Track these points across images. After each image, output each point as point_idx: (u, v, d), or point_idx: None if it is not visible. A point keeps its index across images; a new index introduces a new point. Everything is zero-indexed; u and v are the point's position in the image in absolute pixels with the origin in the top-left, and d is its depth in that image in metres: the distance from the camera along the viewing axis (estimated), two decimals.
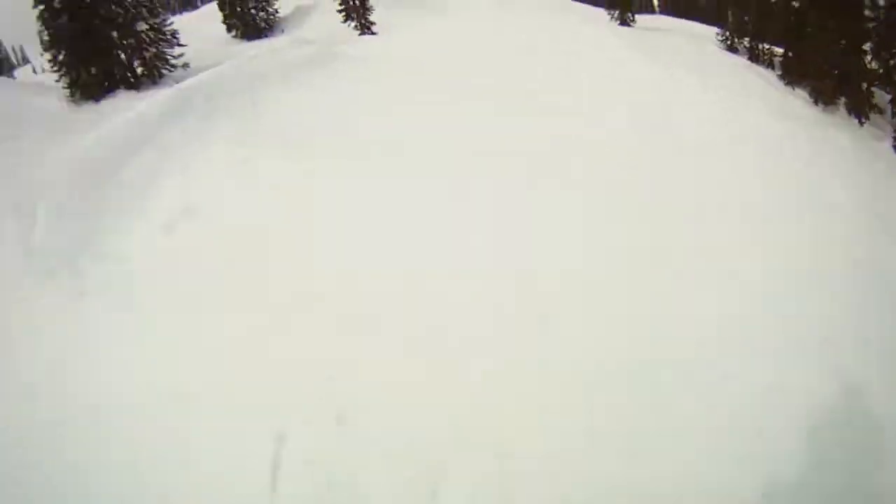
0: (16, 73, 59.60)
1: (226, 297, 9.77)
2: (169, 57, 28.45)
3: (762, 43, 25.48)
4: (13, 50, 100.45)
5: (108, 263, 10.22)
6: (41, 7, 29.20)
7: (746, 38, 26.58)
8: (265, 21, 44.10)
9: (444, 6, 35.07)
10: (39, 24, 30.30)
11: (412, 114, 13.59)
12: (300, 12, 45.11)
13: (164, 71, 28.15)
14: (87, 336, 9.08)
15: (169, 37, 28.87)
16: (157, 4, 31.08)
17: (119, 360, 8.82)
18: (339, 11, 37.11)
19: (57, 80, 29.10)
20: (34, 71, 71.80)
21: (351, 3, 36.97)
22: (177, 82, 26.63)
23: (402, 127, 13.31)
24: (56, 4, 28.73)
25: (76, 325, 9.28)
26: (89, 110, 25.59)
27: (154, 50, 28.06)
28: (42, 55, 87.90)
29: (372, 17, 36.08)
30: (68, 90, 27.68)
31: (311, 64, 15.53)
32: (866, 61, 18.17)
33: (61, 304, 9.67)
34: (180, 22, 31.83)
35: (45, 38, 36.91)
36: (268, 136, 12.37)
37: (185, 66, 28.55)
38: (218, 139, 12.44)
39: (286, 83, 14.52)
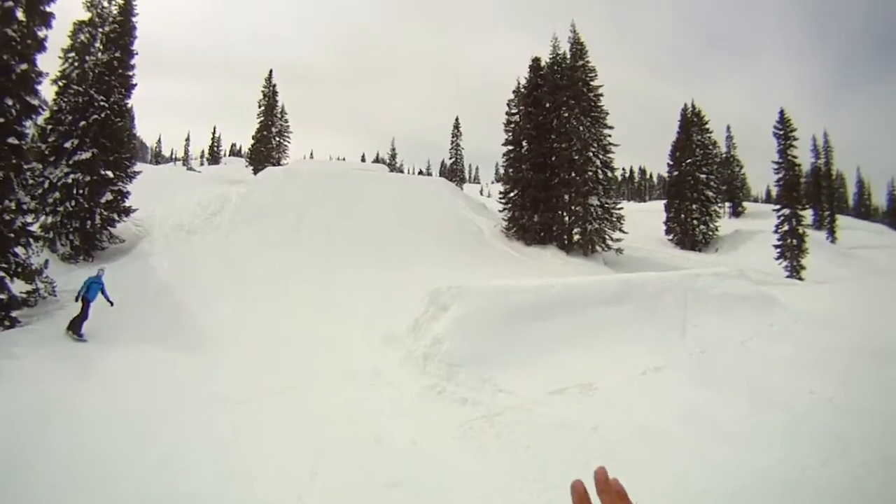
0: (464, 186, 69.10)
1: None
2: (607, 237, 29.82)
3: None
4: (469, 167, 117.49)
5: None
6: (509, 148, 33.67)
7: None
8: (703, 235, 44.72)
9: None
10: (503, 160, 34.63)
11: None
12: (738, 237, 45.50)
13: (598, 248, 29.48)
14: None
15: (615, 220, 30.51)
16: (612, 187, 33.08)
17: None
18: (776, 247, 36.99)
19: (500, 210, 32.72)
20: (481, 192, 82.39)
21: (789, 241, 36.53)
22: (605, 263, 27.71)
23: None
24: (524, 152, 32.64)
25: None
26: (522, 251, 28.58)
27: (597, 226, 29.71)
28: (492, 183, 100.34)
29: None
30: (506, 226, 30.76)
31: (743, 302, 14.20)
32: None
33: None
34: (626, 209, 33.31)
35: (501, 171, 42.37)
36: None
37: (619, 251, 29.62)
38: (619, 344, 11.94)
39: (707, 314, 13.44)
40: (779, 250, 36.58)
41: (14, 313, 15.31)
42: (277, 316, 16.54)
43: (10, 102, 15.72)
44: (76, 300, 15.67)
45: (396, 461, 7.97)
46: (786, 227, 37.12)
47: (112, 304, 16.21)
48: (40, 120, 21.72)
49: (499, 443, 8.28)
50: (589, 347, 11.57)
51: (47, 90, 25.98)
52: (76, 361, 12.37)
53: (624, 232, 31.01)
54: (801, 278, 33.65)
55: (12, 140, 15.71)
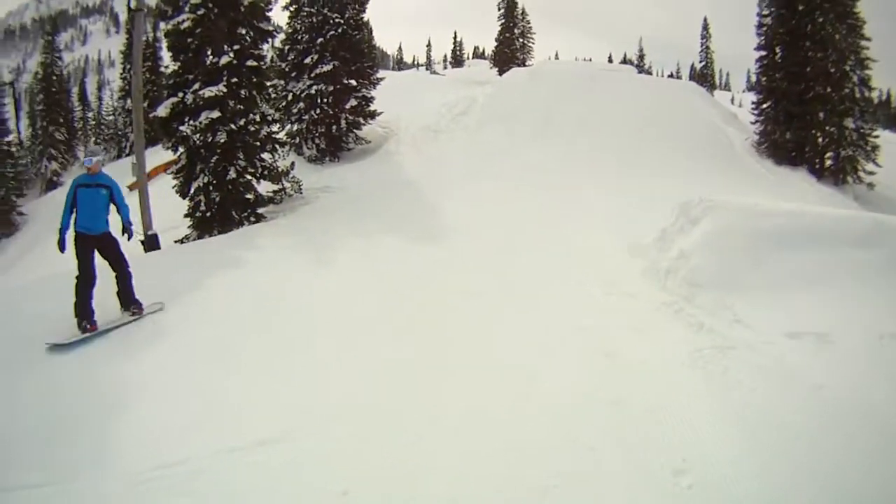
0: (715, 93, 65.40)
1: None
2: (860, 167, 27.95)
3: None
4: (720, 72, 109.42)
5: None
6: (761, 53, 30.96)
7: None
8: None
9: None
10: (756, 67, 31.94)
11: None
12: None
13: (849, 179, 27.90)
14: None
15: (869, 148, 28.17)
16: (869, 110, 29.78)
17: None
18: None
19: (752, 123, 30.73)
20: (732, 101, 77.47)
21: None
22: (856, 197, 26.07)
23: None
24: (777, 59, 30.15)
25: None
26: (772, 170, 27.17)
27: (850, 152, 27.83)
28: (743, 91, 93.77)
29: None
30: (758, 141, 29.12)
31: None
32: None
33: None
34: (882, 138, 29.69)
35: (753, 78, 39.03)
36: None
37: (871, 186, 27.62)
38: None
39: None
40: None
41: (260, 210, 18.14)
42: (518, 214, 16.89)
43: (242, 31, 18.23)
44: (60, 246, 8.79)
45: (622, 378, 8.05)
46: None
47: (131, 235, 9.84)
48: (277, 42, 25.49)
49: (726, 379, 8.06)
50: (830, 290, 10.58)
51: (280, 17, 28.96)
52: (314, 251, 13.77)
53: (878, 164, 27.72)
54: None
55: (251, 62, 18.21)
